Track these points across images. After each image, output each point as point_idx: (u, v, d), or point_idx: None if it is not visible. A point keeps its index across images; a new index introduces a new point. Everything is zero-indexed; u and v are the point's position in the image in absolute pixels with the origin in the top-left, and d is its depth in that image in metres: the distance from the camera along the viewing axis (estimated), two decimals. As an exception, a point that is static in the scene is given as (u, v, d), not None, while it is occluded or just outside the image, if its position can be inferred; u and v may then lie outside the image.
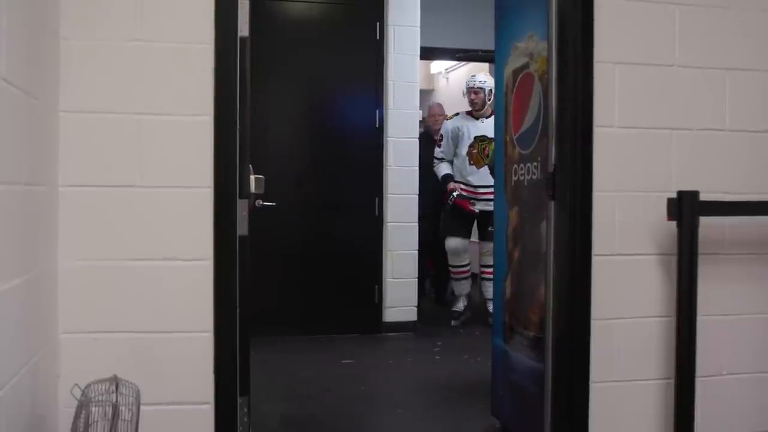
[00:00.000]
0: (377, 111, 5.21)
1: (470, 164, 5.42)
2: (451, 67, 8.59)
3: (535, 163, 2.70)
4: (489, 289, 5.33)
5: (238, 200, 2.22)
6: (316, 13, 5.19)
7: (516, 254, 2.89)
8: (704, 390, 2.40)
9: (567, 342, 2.43)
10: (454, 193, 5.41)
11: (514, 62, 2.92)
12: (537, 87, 2.70)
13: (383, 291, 5.21)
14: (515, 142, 2.90)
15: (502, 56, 3.05)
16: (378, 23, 5.20)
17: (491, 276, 4.93)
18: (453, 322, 5.55)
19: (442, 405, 3.64)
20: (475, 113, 5.47)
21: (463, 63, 8.06)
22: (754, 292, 2.55)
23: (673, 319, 2.40)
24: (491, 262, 5.02)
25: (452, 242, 5.49)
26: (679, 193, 2.32)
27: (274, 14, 5.05)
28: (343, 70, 5.16)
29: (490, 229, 5.05)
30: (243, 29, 2.24)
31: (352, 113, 5.23)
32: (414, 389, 4.00)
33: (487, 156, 5.31)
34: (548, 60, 2.46)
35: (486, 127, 5.28)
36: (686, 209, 2.30)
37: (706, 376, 2.43)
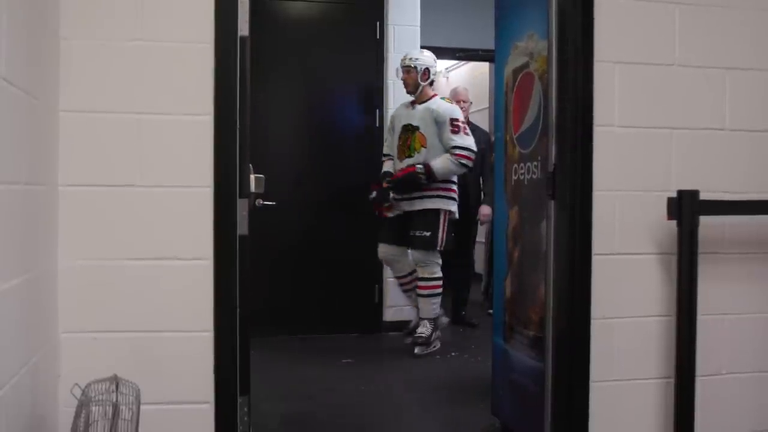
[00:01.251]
0: (377, 110, 5.21)
1: (398, 158, 4.67)
2: (451, 67, 8.58)
3: (535, 163, 2.70)
4: (425, 306, 4.63)
5: (238, 200, 2.22)
6: (316, 12, 5.19)
7: (516, 254, 2.89)
8: (704, 389, 2.40)
9: (567, 341, 2.43)
10: (371, 195, 4.69)
11: (514, 62, 2.92)
12: (537, 86, 2.70)
13: (383, 290, 5.21)
14: (515, 142, 2.90)
15: (502, 56, 3.05)
16: (378, 23, 5.20)
17: (423, 292, 4.59)
18: (407, 340, 4.71)
19: (442, 404, 3.64)
20: (417, 99, 4.65)
21: (463, 62, 8.05)
22: (754, 292, 2.55)
23: (673, 319, 2.40)
24: (423, 275, 4.56)
25: (380, 249, 4.72)
26: (679, 192, 2.32)
27: (274, 14, 5.05)
28: (343, 70, 5.16)
29: (413, 233, 4.54)
30: (243, 29, 2.24)
31: (352, 113, 5.24)
32: (414, 389, 3.99)
33: (409, 147, 4.59)
34: (548, 59, 2.46)
35: (414, 114, 4.61)
36: (686, 208, 2.30)
37: (706, 375, 2.44)
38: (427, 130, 4.56)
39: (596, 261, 2.42)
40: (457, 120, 4.53)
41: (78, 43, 2.12)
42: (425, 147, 4.55)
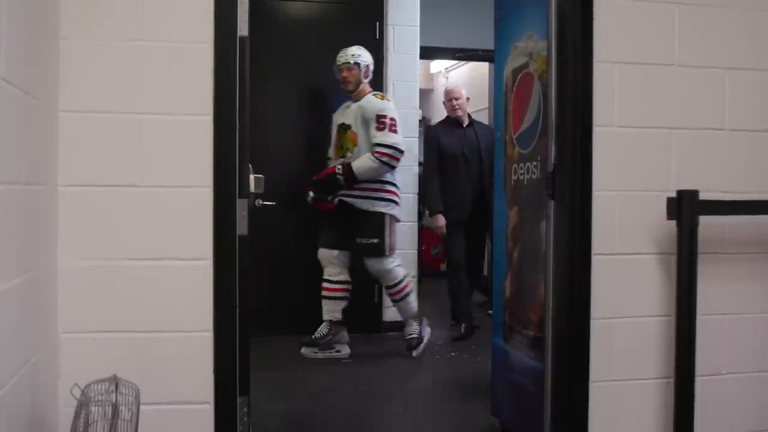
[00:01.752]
0: (377, 110, 5.20)
1: (335, 158, 4.55)
2: (450, 67, 8.59)
3: (534, 163, 2.70)
4: (403, 308, 4.60)
5: (237, 200, 2.22)
6: (315, 12, 5.19)
7: (516, 254, 2.89)
8: (704, 389, 2.40)
9: (567, 341, 2.43)
10: (309, 197, 4.56)
11: (513, 62, 2.92)
12: (536, 86, 2.70)
13: (383, 291, 5.21)
14: (515, 142, 2.90)
15: (501, 56, 3.05)
16: (377, 23, 5.20)
17: (396, 297, 4.56)
18: (304, 350, 4.52)
19: (441, 404, 3.65)
20: (354, 98, 4.53)
21: (463, 62, 8.06)
22: (753, 292, 2.55)
23: (672, 319, 2.40)
24: (388, 283, 4.52)
25: (320, 254, 4.56)
26: (679, 192, 2.32)
27: (273, 14, 5.04)
28: (343, 70, 5.16)
29: (359, 240, 4.43)
30: (242, 29, 2.24)
31: (352, 113, 5.23)
32: (414, 389, 4.00)
33: (342, 147, 4.49)
34: (548, 59, 2.46)
35: (349, 112, 4.50)
36: (686, 208, 2.30)
37: (706, 375, 2.43)
38: (358, 129, 4.43)
39: (596, 261, 2.42)
40: (384, 116, 4.35)
41: (78, 43, 2.12)
42: (357, 146, 4.42)
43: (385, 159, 4.34)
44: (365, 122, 4.40)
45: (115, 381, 1.91)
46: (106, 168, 2.15)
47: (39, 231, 1.96)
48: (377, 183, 4.45)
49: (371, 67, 4.58)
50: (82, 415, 1.84)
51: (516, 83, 2.90)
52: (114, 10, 2.14)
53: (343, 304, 4.54)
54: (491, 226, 5.27)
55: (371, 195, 4.44)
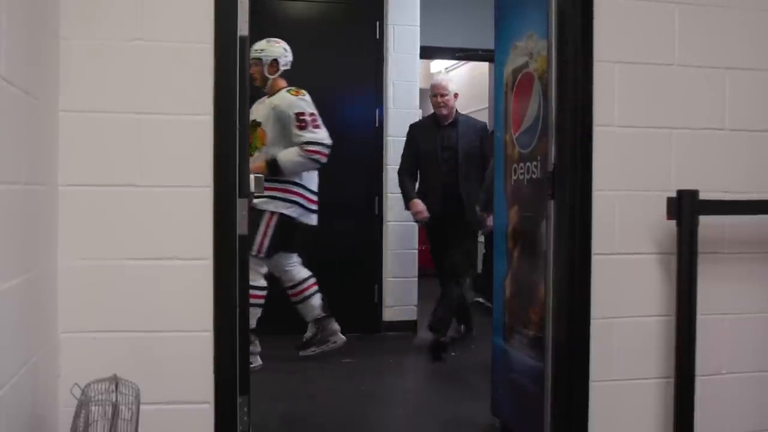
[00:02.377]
0: (377, 110, 5.21)
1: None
2: (451, 66, 8.58)
3: (534, 162, 2.70)
4: (302, 311, 4.37)
5: (237, 199, 2.23)
6: (315, 12, 5.19)
7: (516, 254, 2.90)
8: (704, 389, 2.40)
9: (567, 341, 2.43)
10: None
11: (513, 61, 2.92)
12: (537, 86, 2.70)
13: (383, 290, 5.21)
14: (515, 142, 2.90)
15: (501, 55, 3.05)
16: (378, 22, 5.20)
17: (293, 297, 4.33)
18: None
19: (441, 404, 3.65)
20: (267, 93, 4.29)
21: (463, 62, 8.05)
22: (753, 291, 2.55)
23: (672, 318, 2.40)
24: (285, 283, 4.28)
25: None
26: (679, 192, 2.32)
27: (274, 14, 5.05)
28: (342, 70, 5.16)
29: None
30: (243, 29, 2.24)
31: (352, 113, 5.23)
32: (414, 388, 4.00)
33: (250, 145, 4.16)
34: (548, 59, 2.46)
35: (262, 109, 4.22)
36: (686, 208, 2.30)
37: (706, 375, 2.43)
38: (268, 126, 4.18)
39: (596, 261, 2.42)
40: (302, 114, 4.12)
41: (78, 43, 2.12)
42: (265, 144, 4.17)
43: (315, 156, 4.12)
44: (279, 120, 4.17)
45: (115, 381, 1.91)
46: (106, 168, 2.15)
47: (39, 231, 1.96)
48: (286, 183, 4.19)
49: (282, 60, 4.25)
50: (82, 415, 1.84)
51: (516, 83, 2.90)
52: (114, 10, 2.14)
53: (258, 311, 4.10)
54: (469, 230, 4.78)
55: (277, 195, 4.18)
